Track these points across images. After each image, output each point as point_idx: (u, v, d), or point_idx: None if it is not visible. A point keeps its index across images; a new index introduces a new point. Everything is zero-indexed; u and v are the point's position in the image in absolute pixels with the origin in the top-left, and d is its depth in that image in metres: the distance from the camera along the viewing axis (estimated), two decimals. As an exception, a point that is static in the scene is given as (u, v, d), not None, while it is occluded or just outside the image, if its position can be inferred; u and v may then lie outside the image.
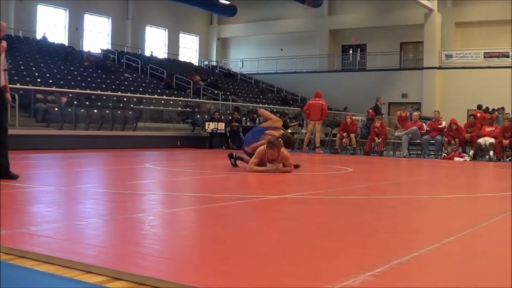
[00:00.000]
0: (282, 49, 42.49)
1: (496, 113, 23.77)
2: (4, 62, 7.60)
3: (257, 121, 23.03)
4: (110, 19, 38.95)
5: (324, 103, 19.95)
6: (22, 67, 24.42)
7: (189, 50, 45.20)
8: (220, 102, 28.05)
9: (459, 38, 36.99)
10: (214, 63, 44.80)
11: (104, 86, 26.04)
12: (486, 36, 35.55)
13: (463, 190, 8.78)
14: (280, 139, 9.94)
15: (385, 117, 31.68)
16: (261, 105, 30.44)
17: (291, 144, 10.02)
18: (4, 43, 7.62)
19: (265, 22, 42.62)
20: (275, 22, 42.38)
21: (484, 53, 34.42)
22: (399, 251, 3.57)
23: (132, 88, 27.50)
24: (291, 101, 36.09)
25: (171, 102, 26.32)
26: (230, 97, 31.11)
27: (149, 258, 3.30)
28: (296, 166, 10.29)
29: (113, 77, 29.44)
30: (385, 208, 6.13)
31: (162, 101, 25.69)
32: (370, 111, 21.37)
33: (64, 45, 34.08)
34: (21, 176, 6.42)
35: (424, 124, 18.87)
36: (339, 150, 19.68)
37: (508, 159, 16.78)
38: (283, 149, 9.62)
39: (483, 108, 24.14)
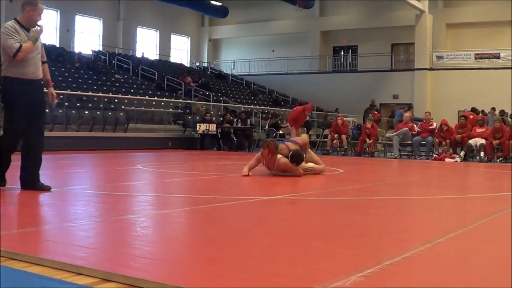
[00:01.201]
0: (273, 50, 42.47)
1: (489, 114, 23.82)
2: (41, 51, 6.66)
3: (248, 122, 23.04)
4: (101, 20, 38.87)
5: (295, 108, 18.14)
6: (13, 68, 24.31)
7: (181, 51, 45.15)
8: (211, 103, 28.03)
9: (450, 39, 37.07)
10: (206, 64, 44.77)
11: (95, 87, 25.99)
12: (477, 37, 35.65)
13: (454, 191, 8.80)
14: (290, 152, 9.35)
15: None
16: (252, 106, 30.43)
17: (298, 160, 9.29)
18: (40, 27, 6.56)
19: (256, 23, 42.60)
20: (266, 23, 42.37)
21: (475, 54, 34.51)
22: (390, 252, 3.58)
23: (123, 89, 27.44)
24: (282, 102, 36.10)
25: (162, 104, 26.30)
26: (221, 98, 31.09)
27: (140, 259, 3.29)
28: None
29: (104, 78, 29.38)
30: (376, 209, 6.14)
31: (153, 102, 25.68)
32: (376, 112, 21.50)
33: (55, 46, 34.00)
34: (12, 177, 6.37)
35: (415, 125, 18.93)
36: (330, 151, 19.72)
37: (498, 160, 16.84)
38: (280, 157, 9.20)
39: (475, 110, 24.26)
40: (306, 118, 18.34)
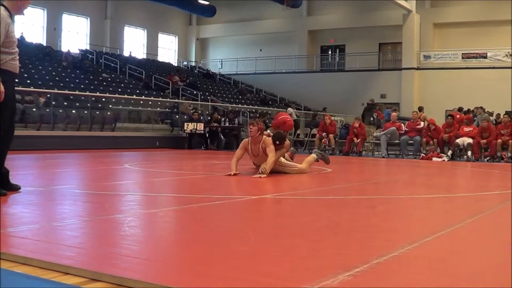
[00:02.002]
0: (261, 50, 42.51)
1: (477, 114, 23.89)
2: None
3: (235, 121, 23.03)
4: (88, 19, 38.76)
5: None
6: (0, 67, 24.20)
7: (168, 50, 45.12)
8: (199, 102, 28.01)
9: (437, 39, 37.24)
10: (193, 64, 44.75)
11: (82, 86, 25.92)
12: (464, 37, 35.84)
13: (441, 190, 8.82)
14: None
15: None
16: (240, 105, 30.43)
17: (280, 138, 9.52)
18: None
19: (244, 23, 42.64)
20: (254, 22, 42.42)
21: (462, 54, 34.70)
22: (378, 251, 3.58)
23: (110, 89, 27.39)
24: (270, 102, 36.13)
25: (150, 103, 26.27)
26: (209, 97, 31.08)
27: (127, 259, 3.28)
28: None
29: (91, 77, 29.31)
30: (364, 208, 6.15)
31: (141, 102, 25.64)
32: (380, 112, 21.56)
33: (42, 45, 33.90)
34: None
35: (402, 125, 18.99)
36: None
37: (486, 159, 16.92)
38: (265, 137, 9.45)
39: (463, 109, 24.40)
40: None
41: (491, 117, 23.35)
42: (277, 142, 9.43)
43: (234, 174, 9.05)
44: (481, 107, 25.29)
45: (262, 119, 23.23)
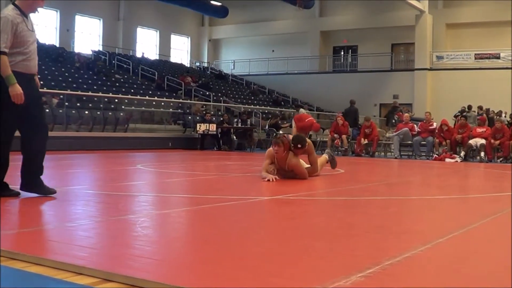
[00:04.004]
0: (273, 51, 42.51)
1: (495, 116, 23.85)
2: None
3: (248, 122, 23.04)
4: (101, 20, 38.89)
5: (306, 121, 18.33)
6: (13, 69, 24.29)
7: (181, 51, 45.17)
8: (211, 103, 28.04)
9: (450, 39, 37.09)
10: (206, 65, 44.79)
11: (95, 87, 26.00)
12: (477, 37, 35.68)
13: (454, 191, 8.79)
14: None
15: (376, 118, 31.83)
16: (252, 106, 30.44)
17: (300, 141, 8.74)
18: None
19: (256, 24, 42.63)
20: (266, 23, 42.40)
21: (475, 54, 34.56)
22: (391, 252, 3.58)
23: (123, 89, 27.45)
24: (282, 102, 36.12)
25: (162, 104, 26.32)
26: (221, 98, 31.11)
27: (140, 259, 3.29)
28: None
29: (104, 78, 29.40)
30: (377, 209, 6.14)
31: (154, 102, 25.69)
32: (402, 114, 21.59)
33: (55, 46, 34.04)
34: (12, 177, 6.33)
35: (415, 125, 18.93)
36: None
37: (499, 160, 16.84)
38: (291, 157, 8.77)
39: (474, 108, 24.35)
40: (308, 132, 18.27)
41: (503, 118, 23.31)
42: (299, 146, 8.74)
43: (274, 179, 8.44)
44: (479, 107, 25.27)
45: (275, 120, 23.27)
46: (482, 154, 16.84)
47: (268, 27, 42.56)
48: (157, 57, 41.52)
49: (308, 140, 9.35)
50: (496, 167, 14.73)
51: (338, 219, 5.26)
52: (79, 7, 36.66)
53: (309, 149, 9.17)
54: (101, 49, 37.15)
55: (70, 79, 26.24)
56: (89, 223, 4.62)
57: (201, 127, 21.20)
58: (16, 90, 5.58)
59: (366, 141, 18.93)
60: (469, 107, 25.37)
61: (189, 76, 34.53)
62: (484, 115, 22.61)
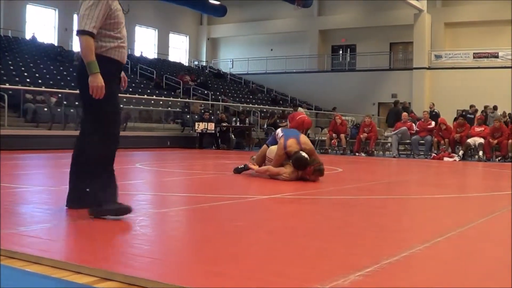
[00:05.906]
0: (272, 49, 42.47)
1: (490, 113, 23.75)
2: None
3: (246, 121, 23.04)
4: (99, 19, 38.78)
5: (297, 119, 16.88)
6: (12, 67, 24.30)
7: (179, 50, 45.13)
8: (210, 102, 28.02)
9: (449, 38, 37.08)
10: (204, 63, 44.75)
11: (93, 86, 25.93)
12: (475, 36, 35.65)
13: (452, 190, 8.80)
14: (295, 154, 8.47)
15: (375, 118, 31.83)
16: (251, 105, 30.43)
17: (303, 165, 8.32)
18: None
19: (255, 22, 42.61)
20: (265, 22, 42.37)
21: (474, 53, 34.56)
22: (389, 251, 3.58)
23: (121, 88, 27.40)
24: (281, 101, 36.11)
25: (161, 102, 26.30)
26: (220, 97, 31.09)
27: (139, 258, 3.29)
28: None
29: (102, 77, 29.32)
30: (375, 208, 6.14)
31: (152, 101, 25.67)
32: (413, 114, 21.61)
33: (54, 45, 33.96)
34: (10, 176, 6.32)
35: (413, 125, 18.96)
36: (329, 150, 19.74)
37: (497, 159, 16.86)
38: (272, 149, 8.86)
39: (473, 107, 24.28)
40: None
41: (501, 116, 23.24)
42: (297, 168, 8.37)
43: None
44: (471, 106, 25.14)
45: (273, 119, 23.27)
46: (481, 153, 16.86)
47: (266, 26, 42.54)
48: (155, 56, 41.47)
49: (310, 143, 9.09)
50: (494, 166, 14.75)
51: (337, 218, 5.27)
52: (77, 6, 36.29)
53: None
54: (99, 48, 37.05)
55: (68, 78, 26.17)
56: (87, 222, 4.62)
57: (200, 126, 21.19)
58: (98, 81, 4.69)
59: (365, 135, 18.91)
60: (495, 107, 24.97)
61: (187, 75, 34.51)
62: (482, 114, 22.58)
